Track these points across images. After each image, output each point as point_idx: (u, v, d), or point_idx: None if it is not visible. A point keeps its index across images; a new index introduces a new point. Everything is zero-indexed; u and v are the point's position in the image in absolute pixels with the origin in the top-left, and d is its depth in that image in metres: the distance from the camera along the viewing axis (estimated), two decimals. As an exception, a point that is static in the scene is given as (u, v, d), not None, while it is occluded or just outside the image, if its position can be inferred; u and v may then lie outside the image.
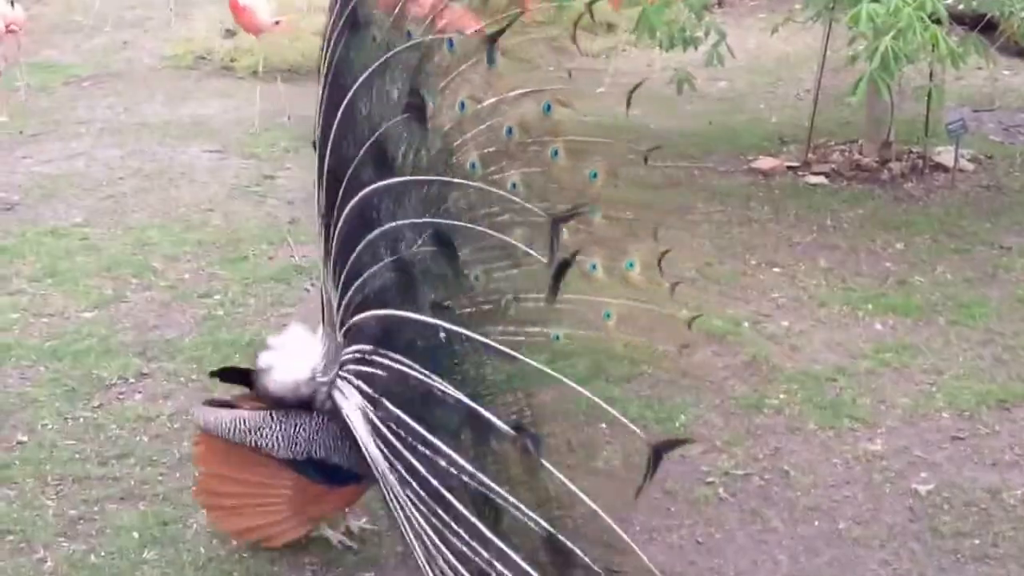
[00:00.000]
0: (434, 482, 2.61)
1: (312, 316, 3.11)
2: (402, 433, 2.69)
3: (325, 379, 2.87)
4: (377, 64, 2.75)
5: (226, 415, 2.89)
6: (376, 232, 2.72)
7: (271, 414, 2.85)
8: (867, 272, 5.41)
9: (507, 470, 2.59)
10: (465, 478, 2.57)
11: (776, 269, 5.44)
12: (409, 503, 2.67)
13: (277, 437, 2.82)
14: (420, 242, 2.67)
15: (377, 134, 2.74)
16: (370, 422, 2.75)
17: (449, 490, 2.61)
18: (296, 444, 2.83)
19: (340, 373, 2.86)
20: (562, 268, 2.41)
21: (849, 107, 6.75)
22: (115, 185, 6.79)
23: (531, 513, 2.49)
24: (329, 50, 2.86)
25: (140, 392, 4.33)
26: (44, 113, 8.30)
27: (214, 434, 2.93)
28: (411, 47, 2.75)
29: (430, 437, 2.62)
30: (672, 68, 6.67)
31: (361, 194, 2.73)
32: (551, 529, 2.47)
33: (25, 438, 4.02)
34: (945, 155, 6.73)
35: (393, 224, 2.70)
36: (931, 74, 6.57)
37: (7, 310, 5.04)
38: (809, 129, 7.01)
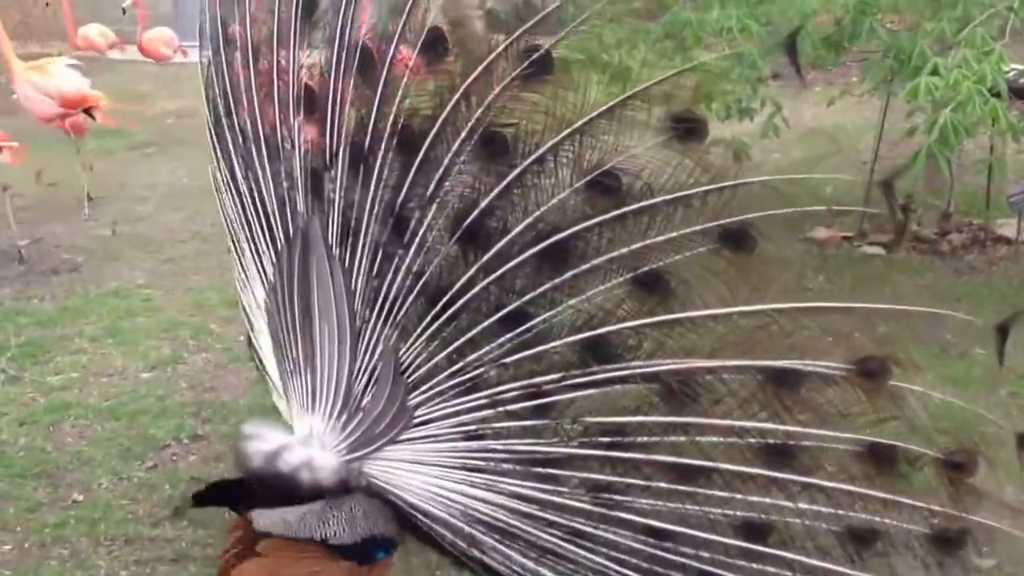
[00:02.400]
0: (687, 461, 2.63)
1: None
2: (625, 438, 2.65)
3: (357, 455, 2.76)
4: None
5: (293, 511, 2.75)
6: (589, 264, 2.67)
7: (327, 503, 2.76)
8: (927, 343, 5.31)
9: (818, 409, 2.59)
10: (752, 441, 2.59)
11: (830, 339, 5.35)
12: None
13: (342, 523, 2.76)
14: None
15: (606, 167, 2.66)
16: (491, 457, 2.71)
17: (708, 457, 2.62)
18: (356, 526, 2.76)
19: (403, 438, 2.77)
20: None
21: (907, 179, 6.70)
22: (176, 248, 6.92)
23: (849, 435, 2.55)
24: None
25: (194, 454, 4.36)
26: (109, 177, 8.52)
27: (282, 535, 2.75)
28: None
29: (699, 420, 2.62)
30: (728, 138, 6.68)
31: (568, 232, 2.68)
32: (874, 439, 2.54)
33: (80, 497, 4.06)
34: (1007, 228, 6.64)
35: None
36: (991, 147, 6.51)
37: (69, 369, 5.13)
38: (865, 199, 6.96)
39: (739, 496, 2.62)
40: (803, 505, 2.61)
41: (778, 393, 2.59)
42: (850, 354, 2.57)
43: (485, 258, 2.76)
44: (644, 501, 2.67)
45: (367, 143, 2.93)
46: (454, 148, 2.82)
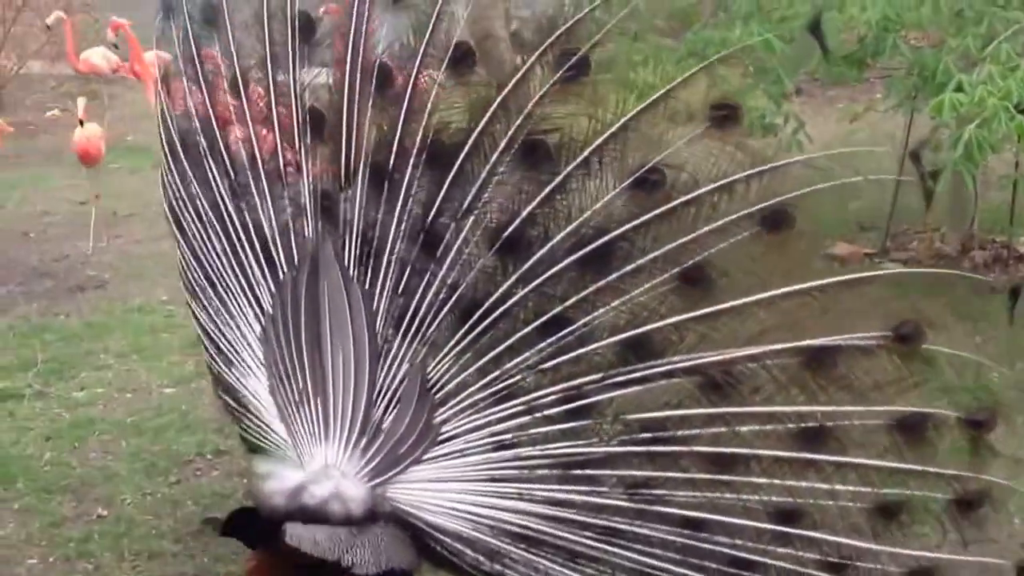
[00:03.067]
0: (736, 449, 2.67)
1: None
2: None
3: (380, 480, 2.69)
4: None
5: (324, 531, 2.61)
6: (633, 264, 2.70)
7: (352, 530, 2.64)
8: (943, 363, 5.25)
9: (854, 386, 2.65)
10: (790, 425, 2.63)
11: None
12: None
13: (367, 551, 2.64)
14: None
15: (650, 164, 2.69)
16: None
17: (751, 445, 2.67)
18: (381, 555, 2.66)
19: (424, 458, 2.71)
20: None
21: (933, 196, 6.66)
22: (200, 264, 6.97)
23: (882, 408, 2.62)
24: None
25: (217, 469, 4.38)
26: (134, 195, 8.59)
27: (311, 555, 2.60)
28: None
29: (755, 408, 2.67)
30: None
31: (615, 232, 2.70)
32: (905, 408, 2.61)
33: (105, 512, 4.09)
34: (1031, 245, 6.59)
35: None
36: (1016, 163, 6.47)
37: (94, 385, 5.17)
38: (889, 216, 6.92)
39: (776, 481, 2.65)
40: (837, 486, 2.64)
41: (816, 373, 2.63)
42: (886, 322, 2.63)
43: (526, 267, 2.75)
44: (682, 493, 2.69)
45: (392, 161, 2.92)
46: (493, 159, 2.82)
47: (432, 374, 2.80)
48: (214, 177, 3.11)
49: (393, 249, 2.89)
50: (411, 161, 2.91)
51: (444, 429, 2.76)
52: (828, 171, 2.69)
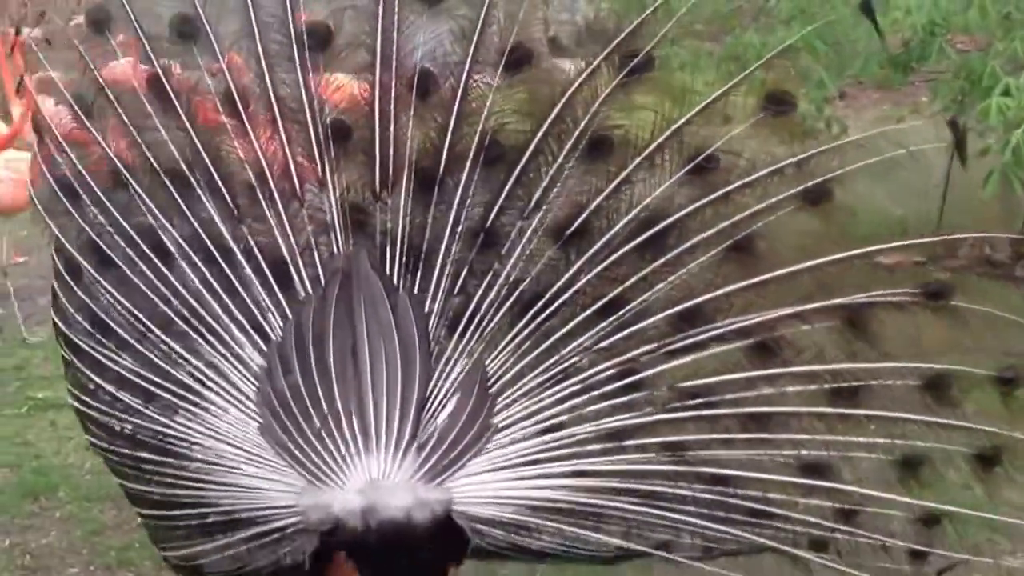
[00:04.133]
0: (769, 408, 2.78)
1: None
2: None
3: (437, 482, 2.60)
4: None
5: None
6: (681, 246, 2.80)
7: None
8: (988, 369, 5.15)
9: (888, 343, 2.79)
10: (831, 383, 2.75)
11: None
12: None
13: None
14: None
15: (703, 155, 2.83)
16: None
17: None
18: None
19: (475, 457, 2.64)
20: None
21: (980, 200, 6.54)
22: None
23: (913, 364, 2.76)
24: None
25: (255, 478, 4.39)
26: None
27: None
28: None
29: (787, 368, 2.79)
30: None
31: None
32: (935, 366, 2.74)
33: (145, 521, 4.11)
34: (1084, 252, 6.46)
35: None
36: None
37: (134, 393, 5.21)
38: (937, 222, 6.81)
39: (815, 437, 2.77)
40: (873, 439, 2.76)
41: (855, 331, 2.77)
42: (918, 281, 2.80)
43: (587, 255, 2.81)
44: (721, 452, 2.78)
45: (443, 166, 2.89)
46: (560, 157, 2.85)
47: (490, 368, 2.78)
48: (196, 203, 2.92)
49: (447, 253, 2.86)
50: (466, 165, 2.88)
51: (497, 420, 2.73)
52: (880, 150, 2.86)
